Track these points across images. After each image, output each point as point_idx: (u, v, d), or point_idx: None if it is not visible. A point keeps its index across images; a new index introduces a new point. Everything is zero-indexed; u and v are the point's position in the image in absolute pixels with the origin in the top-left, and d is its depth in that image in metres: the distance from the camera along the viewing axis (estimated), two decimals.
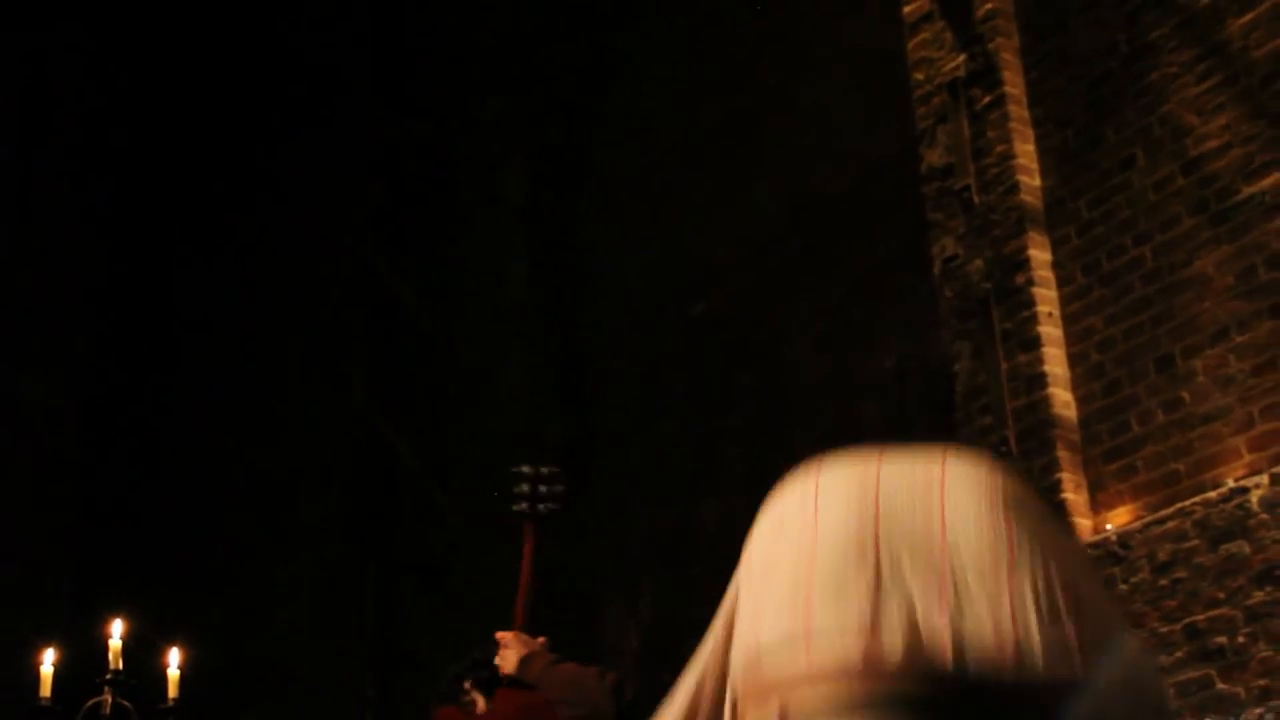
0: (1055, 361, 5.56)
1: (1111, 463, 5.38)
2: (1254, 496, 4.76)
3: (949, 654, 1.24)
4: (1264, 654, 4.69)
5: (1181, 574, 4.95)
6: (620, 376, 8.30)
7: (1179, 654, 4.90)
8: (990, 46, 6.02)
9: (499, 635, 3.75)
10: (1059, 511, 5.22)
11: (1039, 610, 1.27)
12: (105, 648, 4.78)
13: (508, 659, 3.65)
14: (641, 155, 8.42)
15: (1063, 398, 5.53)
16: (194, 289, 10.44)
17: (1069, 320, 5.62)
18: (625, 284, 8.48)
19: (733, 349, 7.62)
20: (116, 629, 4.74)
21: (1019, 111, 5.94)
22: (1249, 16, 5.28)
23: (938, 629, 1.25)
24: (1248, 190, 5.15)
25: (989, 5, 6.09)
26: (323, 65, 10.21)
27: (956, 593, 1.28)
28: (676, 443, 7.80)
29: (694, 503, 7.56)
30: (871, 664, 1.22)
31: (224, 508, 9.64)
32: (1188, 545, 4.94)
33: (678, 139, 8.16)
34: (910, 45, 6.37)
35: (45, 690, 4.74)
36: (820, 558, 1.31)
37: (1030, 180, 5.84)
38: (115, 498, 10.09)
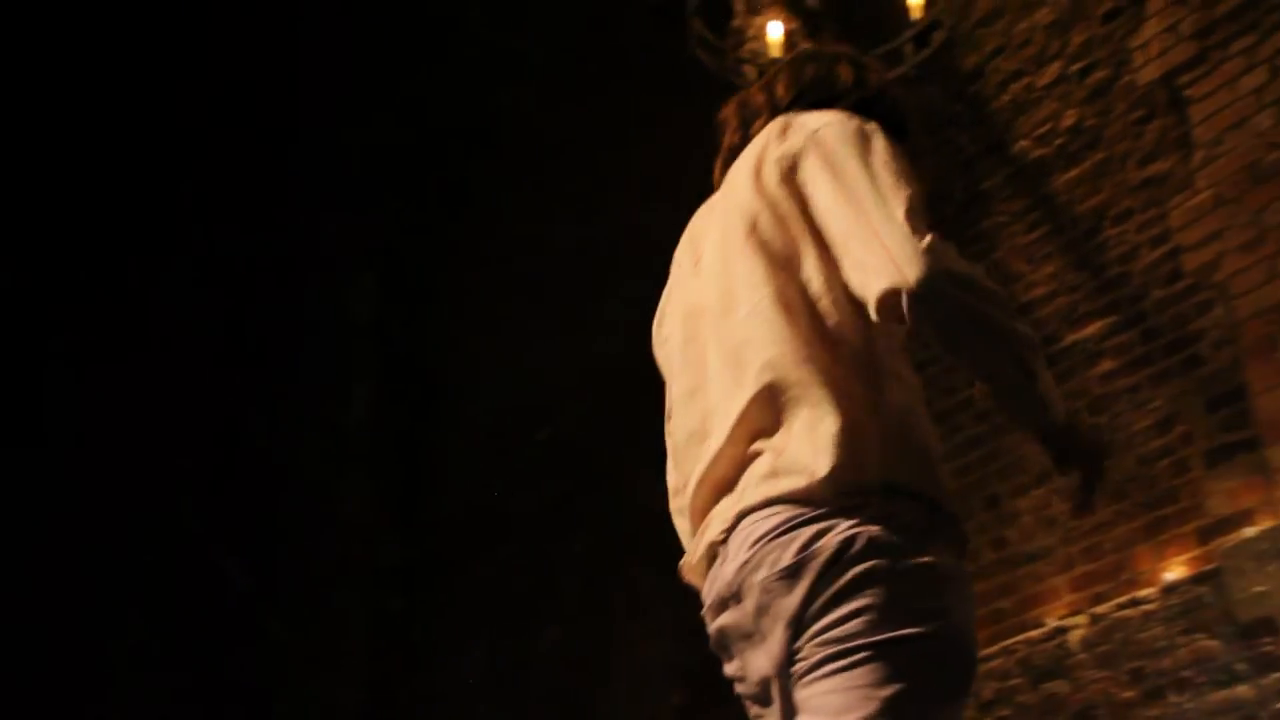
0: None
1: None
2: (1073, 636, 4.87)
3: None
4: None
5: (1005, 712, 5.02)
6: (461, 500, 8.22)
7: None
8: None
9: None
10: None
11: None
12: None
13: None
14: (491, 279, 8.44)
15: None
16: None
17: None
18: (470, 407, 8.43)
19: (576, 474, 7.61)
20: None
21: None
22: (1074, 172, 5.52)
23: None
24: (1072, 337, 5.33)
25: None
26: (169, 173, 10.07)
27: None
28: (516, 567, 7.72)
29: (534, 628, 7.47)
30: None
31: (45, 634, 9.23)
32: (1011, 683, 5.02)
33: (527, 264, 8.20)
34: None
35: None
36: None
37: None
38: None
